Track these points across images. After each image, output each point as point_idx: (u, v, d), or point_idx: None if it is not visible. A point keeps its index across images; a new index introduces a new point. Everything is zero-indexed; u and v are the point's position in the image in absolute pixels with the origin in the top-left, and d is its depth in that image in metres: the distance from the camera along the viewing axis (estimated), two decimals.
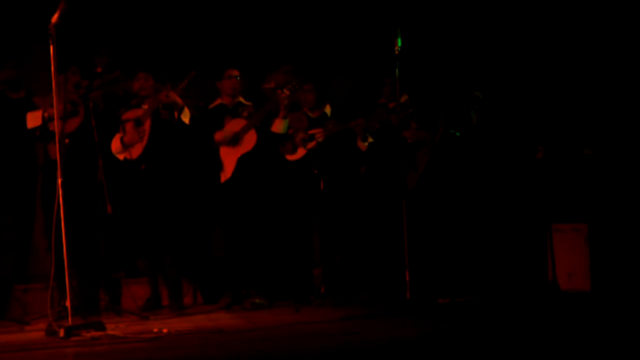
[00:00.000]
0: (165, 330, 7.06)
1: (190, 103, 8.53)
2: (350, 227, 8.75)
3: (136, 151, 8.45)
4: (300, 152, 8.65)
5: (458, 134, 8.69)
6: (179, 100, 8.33)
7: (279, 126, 8.52)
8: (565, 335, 6.31)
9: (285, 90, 8.27)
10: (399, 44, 7.88)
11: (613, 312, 7.44)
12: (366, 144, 8.56)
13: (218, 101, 8.82)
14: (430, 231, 8.61)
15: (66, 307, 7.03)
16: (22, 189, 8.62)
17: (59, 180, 7.08)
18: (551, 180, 8.70)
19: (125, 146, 8.43)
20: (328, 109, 8.92)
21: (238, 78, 8.67)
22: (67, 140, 7.99)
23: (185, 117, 8.48)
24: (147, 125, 8.36)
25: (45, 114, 8.23)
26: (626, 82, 8.89)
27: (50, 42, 7.05)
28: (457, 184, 8.69)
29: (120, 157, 8.51)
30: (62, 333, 6.89)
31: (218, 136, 8.53)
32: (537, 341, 6.10)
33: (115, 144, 8.50)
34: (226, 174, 8.61)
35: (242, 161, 8.60)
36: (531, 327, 6.80)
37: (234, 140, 8.44)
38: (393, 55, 7.91)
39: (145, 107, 8.45)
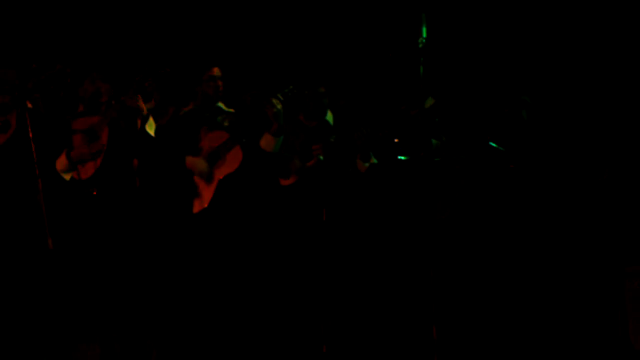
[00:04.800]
0: None
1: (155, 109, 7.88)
2: (361, 268, 7.67)
3: (87, 170, 7.62)
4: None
5: (502, 149, 7.71)
6: (142, 105, 7.64)
7: (269, 143, 7.52)
8: None
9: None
10: (424, 34, 7.00)
11: None
12: (367, 165, 7.56)
13: (190, 106, 7.91)
14: (464, 272, 7.61)
15: None
16: None
17: None
18: (622, 209, 7.80)
19: (73, 163, 7.59)
20: (330, 117, 7.99)
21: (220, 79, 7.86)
22: None
23: (150, 128, 7.70)
24: (104, 138, 7.60)
25: None
26: None
27: None
28: (498, 214, 7.66)
29: (67, 177, 7.65)
30: None
31: (190, 162, 7.60)
32: None
33: (61, 161, 7.62)
34: (202, 201, 7.58)
35: (223, 185, 7.51)
36: None
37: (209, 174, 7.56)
38: (416, 48, 7.04)
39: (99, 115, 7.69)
